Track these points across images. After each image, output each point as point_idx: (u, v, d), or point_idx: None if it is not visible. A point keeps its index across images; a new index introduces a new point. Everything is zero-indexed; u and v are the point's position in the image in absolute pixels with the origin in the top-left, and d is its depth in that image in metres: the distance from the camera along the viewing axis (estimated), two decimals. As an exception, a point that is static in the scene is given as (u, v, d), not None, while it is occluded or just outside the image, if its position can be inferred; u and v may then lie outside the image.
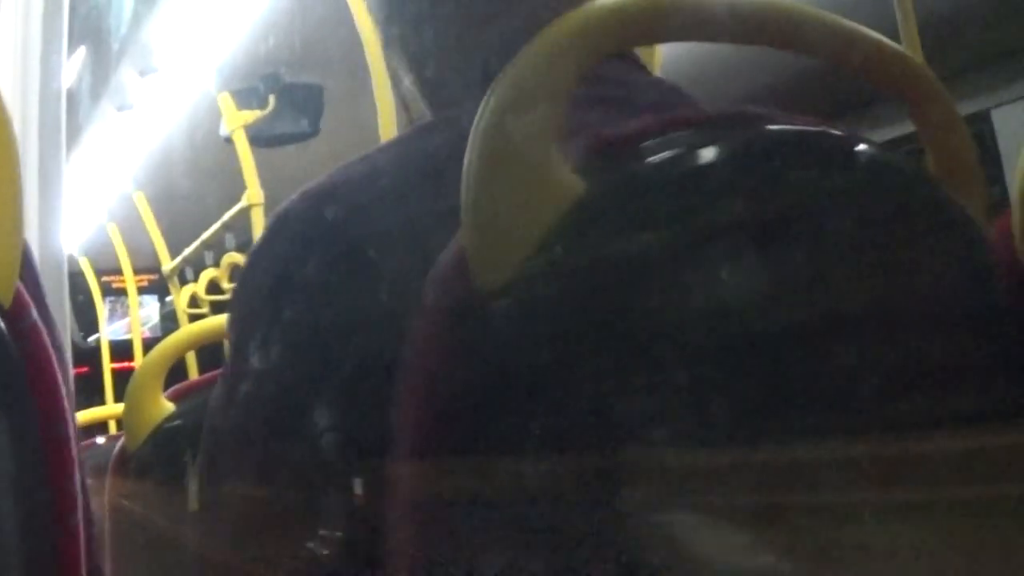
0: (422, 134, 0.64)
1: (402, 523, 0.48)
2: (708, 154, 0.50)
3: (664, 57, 1.36)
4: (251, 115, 3.37)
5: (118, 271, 4.98)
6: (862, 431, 0.48)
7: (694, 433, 0.46)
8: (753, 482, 0.46)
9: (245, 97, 3.41)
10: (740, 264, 0.49)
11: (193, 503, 0.75)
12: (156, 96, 4.16)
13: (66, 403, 0.48)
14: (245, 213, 3.22)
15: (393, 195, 0.56)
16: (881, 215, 0.53)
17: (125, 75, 4.19)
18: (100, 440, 2.09)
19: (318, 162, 0.94)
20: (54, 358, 0.48)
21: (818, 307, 0.49)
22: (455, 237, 0.47)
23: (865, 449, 0.47)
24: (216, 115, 3.45)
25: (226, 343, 0.62)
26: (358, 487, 0.52)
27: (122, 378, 4.31)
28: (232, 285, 2.52)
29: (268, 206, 3.15)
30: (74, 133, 4.64)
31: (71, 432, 0.49)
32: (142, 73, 4.03)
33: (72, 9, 1.66)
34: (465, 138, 0.47)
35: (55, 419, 0.48)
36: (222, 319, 1.11)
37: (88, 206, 4.82)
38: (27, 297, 0.47)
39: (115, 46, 4.30)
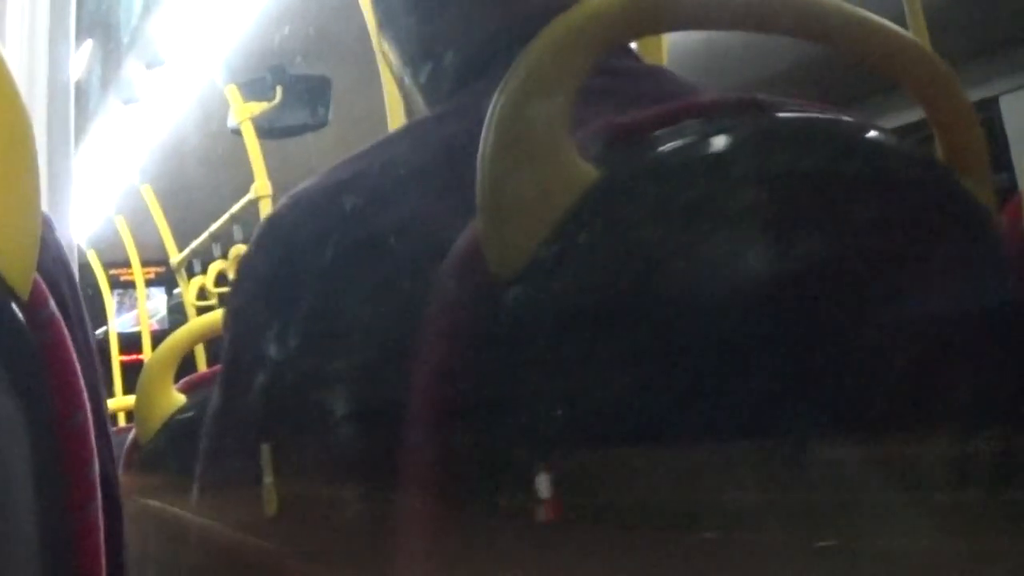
0: (417, 129, 0.65)
1: (415, 513, 0.48)
2: (721, 141, 0.50)
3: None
4: (259, 107, 3.37)
5: (126, 264, 5.00)
6: (879, 418, 0.48)
7: (711, 418, 0.46)
8: (775, 471, 0.46)
9: (252, 89, 3.42)
10: (754, 250, 0.49)
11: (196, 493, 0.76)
12: (163, 88, 4.16)
13: (84, 394, 0.49)
14: (253, 205, 3.22)
15: (382, 197, 0.57)
16: (897, 201, 0.53)
17: (132, 68, 4.19)
18: (110, 432, 2.10)
19: (327, 153, 0.94)
20: (72, 349, 0.48)
21: (834, 294, 0.49)
22: (470, 223, 0.47)
23: (887, 439, 0.47)
24: (224, 107, 3.46)
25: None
26: (370, 478, 0.52)
27: (130, 370, 4.32)
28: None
29: (276, 198, 3.16)
30: (82, 126, 4.65)
31: (89, 423, 0.49)
32: (149, 65, 4.04)
33: (80, 2, 1.66)
34: (455, 136, 0.47)
35: (72, 409, 0.48)
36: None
37: (96, 198, 4.83)
38: (45, 288, 0.47)
39: (123, 39, 4.30)
